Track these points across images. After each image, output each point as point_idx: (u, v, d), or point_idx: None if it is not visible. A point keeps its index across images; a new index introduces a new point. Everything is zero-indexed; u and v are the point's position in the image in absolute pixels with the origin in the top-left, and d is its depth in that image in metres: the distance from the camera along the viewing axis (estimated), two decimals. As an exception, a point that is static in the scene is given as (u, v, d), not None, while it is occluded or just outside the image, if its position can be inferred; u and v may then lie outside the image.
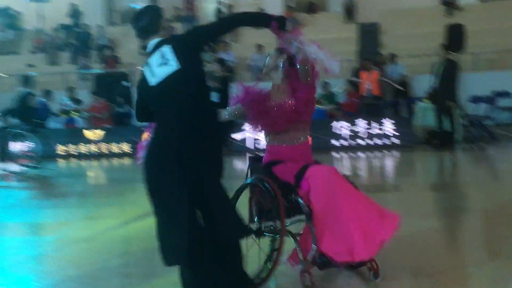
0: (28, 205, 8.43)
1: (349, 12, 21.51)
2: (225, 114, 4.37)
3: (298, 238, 4.38)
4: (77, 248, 5.88)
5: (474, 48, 16.66)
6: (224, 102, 12.74)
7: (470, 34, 14.99)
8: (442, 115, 12.23)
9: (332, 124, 13.08)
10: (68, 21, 23.12)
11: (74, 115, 15.28)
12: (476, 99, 14.19)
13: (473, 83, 16.26)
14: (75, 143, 13.88)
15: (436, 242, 5.59)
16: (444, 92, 12.04)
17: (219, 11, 22.30)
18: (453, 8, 20.46)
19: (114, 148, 13.70)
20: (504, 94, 16.30)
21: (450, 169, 10.90)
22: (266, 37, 20.28)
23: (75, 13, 23.14)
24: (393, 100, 15.73)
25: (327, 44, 17.70)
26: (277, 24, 4.02)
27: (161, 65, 3.65)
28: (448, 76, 12.04)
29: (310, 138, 4.62)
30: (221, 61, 13.89)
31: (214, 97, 12.80)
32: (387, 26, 20.52)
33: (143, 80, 3.76)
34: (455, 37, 14.32)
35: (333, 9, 23.25)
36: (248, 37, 21.30)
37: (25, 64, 21.17)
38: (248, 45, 20.02)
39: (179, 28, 21.99)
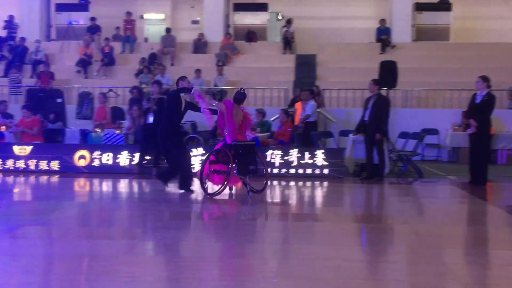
0: None
1: (288, 43, 21.87)
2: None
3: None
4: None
5: (405, 85, 17.24)
6: (158, 123, 12.74)
7: (402, 71, 15.51)
8: (372, 148, 12.52)
9: (266, 151, 13.18)
10: (3, 33, 22.65)
11: (3, 129, 14.86)
12: (404, 135, 14.59)
13: (403, 119, 16.80)
14: (2, 158, 13.50)
15: (356, 272, 5.71)
16: (375, 127, 12.35)
17: (168, 30, 22.39)
18: (387, 46, 21.12)
19: (43, 165, 13.39)
20: (431, 132, 16.85)
21: (376, 202, 11.15)
22: (204, 62, 20.54)
23: (11, 25, 22.69)
24: (325, 131, 16.00)
25: (265, 73, 18.23)
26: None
27: None
28: (379, 110, 12.36)
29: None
30: (158, 83, 13.87)
31: (149, 118, 12.79)
32: (323, 59, 20.96)
33: None
34: (387, 73, 14.78)
35: (272, 39, 23.63)
36: (186, 61, 21.40)
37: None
38: (186, 69, 20.09)
39: (118, 47, 21.91)
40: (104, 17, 23.41)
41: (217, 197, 10.10)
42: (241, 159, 9.86)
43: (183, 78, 11.00)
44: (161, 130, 10.45)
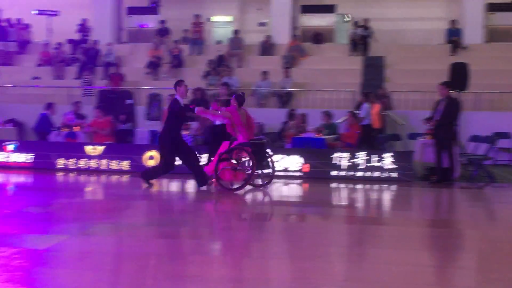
0: (23, 216, 8.43)
1: (355, 45, 21.65)
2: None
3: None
4: (70, 263, 5.90)
5: (477, 87, 16.81)
6: (227, 125, 12.84)
7: (473, 73, 15.15)
8: (442, 152, 12.28)
9: (332, 154, 13.12)
10: (76, 36, 23.32)
11: (76, 130, 15.34)
12: (476, 139, 14.23)
13: (474, 122, 16.37)
14: (75, 157, 13.91)
15: (426, 277, 5.61)
16: (445, 129, 12.11)
17: (235, 32, 22.55)
18: (458, 47, 20.65)
19: (114, 164, 13.73)
20: (504, 135, 16.36)
21: (446, 206, 10.93)
22: (271, 64, 20.57)
23: (84, 29, 23.35)
24: (393, 134, 15.80)
25: (332, 75, 18.13)
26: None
27: None
28: (449, 113, 12.12)
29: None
30: (226, 85, 13.99)
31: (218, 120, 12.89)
32: (392, 60, 20.67)
33: None
34: (458, 76, 14.47)
35: (339, 40, 23.48)
36: (253, 63, 21.49)
37: (30, 76, 21.34)
38: (253, 70, 20.19)
39: (186, 49, 22.24)
40: (173, 19, 23.80)
41: (285, 198, 10.12)
42: (256, 156, 10.93)
43: (180, 83, 11.26)
44: (160, 136, 11.19)
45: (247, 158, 10.93)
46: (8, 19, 23.90)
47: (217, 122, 12.82)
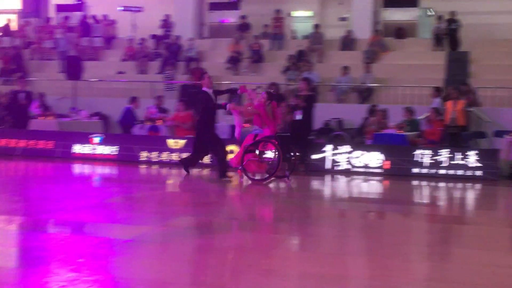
0: (109, 207, 8.68)
1: (439, 39, 21.11)
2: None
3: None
4: (153, 253, 6.03)
5: None
6: (307, 120, 12.83)
7: None
8: (530, 150, 11.84)
9: (414, 151, 12.88)
10: (159, 31, 23.80)
11: (159, 123, 15.67)
12: None
13: None
14: (158, 150, 14.22)
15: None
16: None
17: (316, 27, 22.41)
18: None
19: (194, 158, 13.92)
20: None
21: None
22: (351, 59, 20.33)
23: (167, 24, 23.80)
24: (478, 131, 15.34)
25: (415, 70, 17.74)
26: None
27: None
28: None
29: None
30: (306, 80, 13.94)
31: (298, 115, 12.88)
32: (477, 55, 20.04)
33: None
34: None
35: (422, 35, 22.97)
36: (334, 58, 21.31)
37: (115, 71, 21.95)
38: (333, 66, 20.03)
39: (266, 44, 22.30)
40: (253, 15, 23.91)
41: (365, 195, 9.99)
42: (282, 148, 11.17)
43: (203, 76, 11.71)
44: (197, 126, 11.81)
45: (273, 150, 11.22)
46: (94, 16, 24.71)
47: (297, 117, 12.83)
